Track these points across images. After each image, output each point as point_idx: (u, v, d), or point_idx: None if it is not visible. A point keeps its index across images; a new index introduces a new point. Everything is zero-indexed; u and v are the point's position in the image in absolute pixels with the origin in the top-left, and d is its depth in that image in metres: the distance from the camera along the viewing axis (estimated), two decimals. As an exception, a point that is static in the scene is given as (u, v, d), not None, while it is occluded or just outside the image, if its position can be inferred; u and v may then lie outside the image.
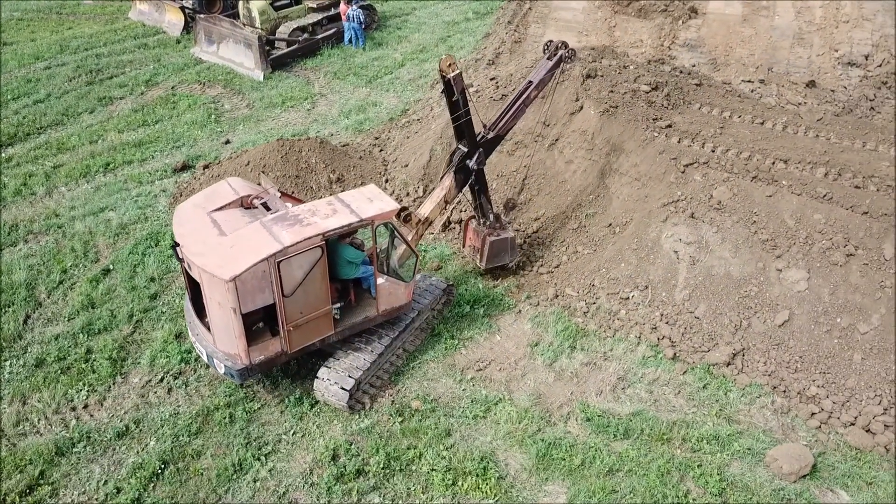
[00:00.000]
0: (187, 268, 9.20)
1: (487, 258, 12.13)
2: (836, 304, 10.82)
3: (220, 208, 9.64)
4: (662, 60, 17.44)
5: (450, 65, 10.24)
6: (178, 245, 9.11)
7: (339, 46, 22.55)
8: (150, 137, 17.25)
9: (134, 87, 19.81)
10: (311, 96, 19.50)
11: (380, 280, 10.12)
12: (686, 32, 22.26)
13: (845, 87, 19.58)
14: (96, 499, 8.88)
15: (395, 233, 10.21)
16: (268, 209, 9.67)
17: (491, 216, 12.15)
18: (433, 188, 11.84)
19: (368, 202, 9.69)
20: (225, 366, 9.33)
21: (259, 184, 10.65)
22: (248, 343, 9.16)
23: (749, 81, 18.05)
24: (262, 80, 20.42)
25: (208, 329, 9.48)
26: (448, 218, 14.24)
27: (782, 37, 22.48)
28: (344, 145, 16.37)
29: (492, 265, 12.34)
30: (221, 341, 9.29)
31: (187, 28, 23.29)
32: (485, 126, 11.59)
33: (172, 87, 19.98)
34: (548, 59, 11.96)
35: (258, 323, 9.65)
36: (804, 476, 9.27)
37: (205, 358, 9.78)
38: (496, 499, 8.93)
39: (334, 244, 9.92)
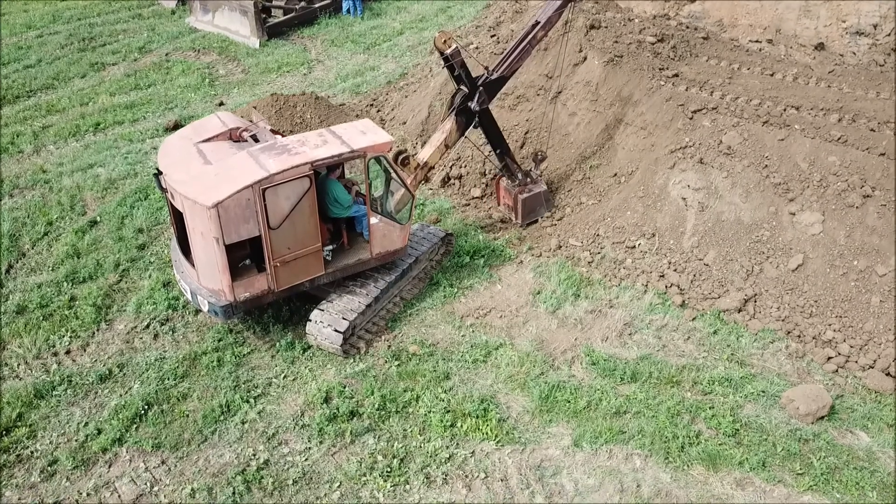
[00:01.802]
0: (170, 198, 8.75)
1: (522, 215, 12.24)
2: (853, 246, 10.33)
3: (208, 140, 9.20)
4: (667, 16, 16.94)
5: (445, 41, 9.94)
6: (160, 174, 8.66)
7: (336, 16, 22.12)
8: (142, 100, 16.84)
9: (127, 54, 19.40)
10: (307, 62, 19.06)
11: (373, 220, 9.66)
12: (690, 6, 21.83)
13: (854, 53, 19.12)
14: (76, 440, 8.43)
15: (389, 169, 9.75)
16: (257, 142, 9.23)
17: (519, 174, 11.97)
18: (433, 132, 11.36)
19: (361, 134, 9.24)
20: (208, 302, 8.88)
21: (251, 121, 10.19)
22: (232, 278, 8.70)
23: (757, 42, 17.56)
24: (258, 47, 20.00)
25: (192, 265, 9.02)
26: (447, 174, 13.79)
27: (788, 9, 21.94)
28: (340, 104, 15.92)
29: (528, 221, 12.36)
30: (205, 276, 8.85)
31: (182, 0, 22.87)
32: (486, 69, 11.12)
33: (166, 55, 19.56)
34: None
35: (244, 260, 9.21)
36: (822, 418, 8.78)
37: (188, 296, 9.33)
38: (497, 440, 8.46)
39: (324, 181, 9.47)
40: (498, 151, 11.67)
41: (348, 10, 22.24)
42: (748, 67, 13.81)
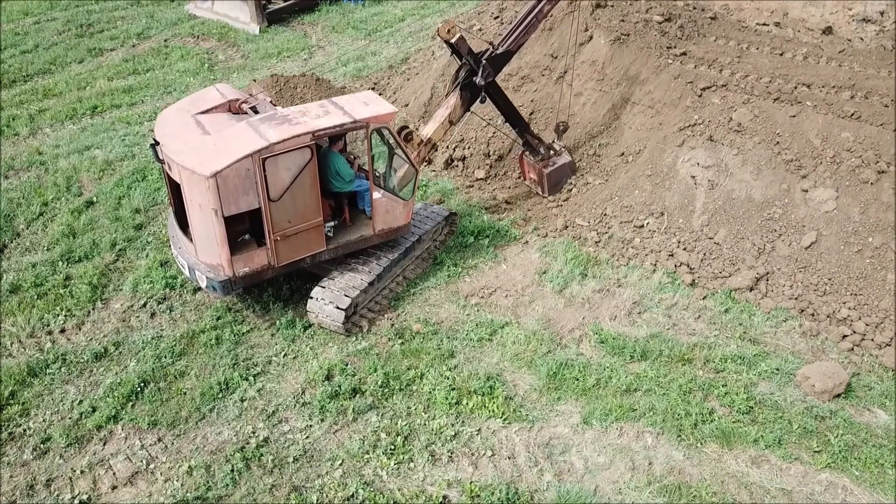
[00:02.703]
0: (168, 169, 8.49)
1: (548, 189, 12.24)
2: (868, 223, 10.07)
3: (206, 112, 8.94)
4: (674, -3, 16.67)
5: (449, 30, 9.74)
6: (157, 144, 8.40)
7: (337, 3, 21.86)
8: (140, 84, 16.58)
9: (125, 40, 19.14)
10: (307, 48, 18.81)
11: (375, 195, 9.40)
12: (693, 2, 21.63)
13: (861, 39, 18.87)
14: (70, 417, 8.18)
15: (393, 142, 9.49)
16: (256, 114, 8.96)
17: (541, 149, 11.84)
18: (437, 107, 11.09)
19: (364, 105, 8.99)
20: (207, 278, 8.62)
21: (251, 94, 9.93)
22: (231, 253, 8.45)
23: (764, 25, 17.29)
24: (258, 33, 19.75)
25: (190, 240, 8.77)
26: (451, 155, 13.53)
27: (794, -4, 21.79)
28: (341, 87, 15.67)
29: (554, 193, 12.30)
30: (203, 251, 8.59)
31: (182, -13, 22.61)
32: (491, 44, 10.85)
33: (165, 41, 19.30)
34: None
35: (244, 234, 8.96)
36: (838, 395, 8.53)
37: (186, 272, 9.08)
38: (504, 417, 8.20)
39: (326, 153, 9.22)
40: (518, 129, 11.57)
41: (349, -3, 21.98)
42: (757, 47, 13.55)
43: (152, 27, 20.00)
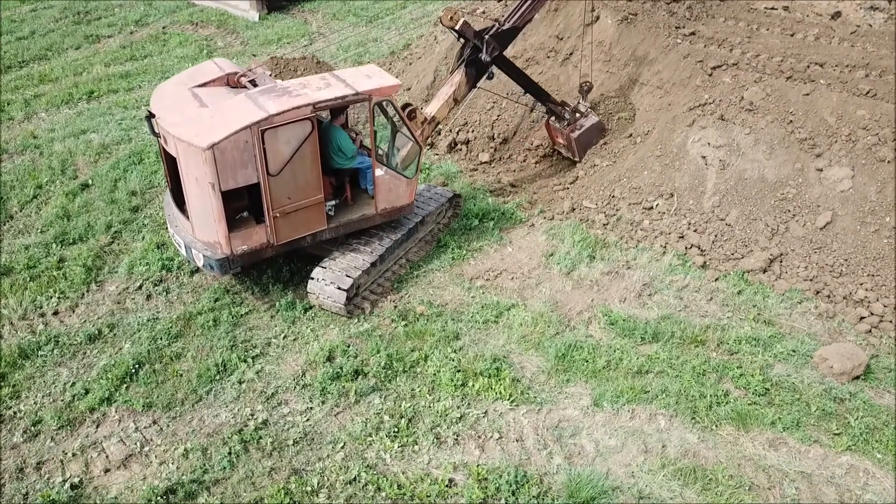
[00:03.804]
0: (163, 143, 8.20)
1: (579, 152, 12.03)
2: (885, 202, 9.77)
3: (204, 85, 8.66)
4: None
5: (451, 17, 9.51)
6: (152, 116, 8.11)
7: (338, -9, 21.56)
8: (137, 70, 16.32)
9: (123, 27, 18.89)
10: (308, 34, 18.53)
11: (378, 172, 9.11)
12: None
13: (870, 25, 18.58)
14: (62, 400, 7.90)
15: (397, 117, 9.20)
16: (256, 87, 8.68)
17: (566, 114, 11.62)
18: (441, 85, 10.80)
19: (366, 78, 8.70)
20: (204, 256, 8.33)
21: (250, 69, 9.63)
22: (229, 230, 8.16)
23: (773, 9, 16.99)
24: (258, 20, 19.48)
25: (187, 217, 8.48)
26: (454, 139, 13.25)
27: (800, -13, 21.48)
28: (343, 72, 15.37)
29: (585, 156, 12.12)
30: (200, 228, 8.30)
31: (181, -25, 22.32)
32: (497, 21, 10.57)
33: (163, 28, 19.04)
34: None
35: (243, 212, 8.67)
36: (857, 377, 8.23)
37: (182, 251, 8.79)
38: (512, 399, 7.91)
39: (328, 128, 8.93)
40: (536, 97, 11.41)
41: (350, -15, 21.67)
42: (767, 28, 13.26)
43: (150, 14, 19.74)
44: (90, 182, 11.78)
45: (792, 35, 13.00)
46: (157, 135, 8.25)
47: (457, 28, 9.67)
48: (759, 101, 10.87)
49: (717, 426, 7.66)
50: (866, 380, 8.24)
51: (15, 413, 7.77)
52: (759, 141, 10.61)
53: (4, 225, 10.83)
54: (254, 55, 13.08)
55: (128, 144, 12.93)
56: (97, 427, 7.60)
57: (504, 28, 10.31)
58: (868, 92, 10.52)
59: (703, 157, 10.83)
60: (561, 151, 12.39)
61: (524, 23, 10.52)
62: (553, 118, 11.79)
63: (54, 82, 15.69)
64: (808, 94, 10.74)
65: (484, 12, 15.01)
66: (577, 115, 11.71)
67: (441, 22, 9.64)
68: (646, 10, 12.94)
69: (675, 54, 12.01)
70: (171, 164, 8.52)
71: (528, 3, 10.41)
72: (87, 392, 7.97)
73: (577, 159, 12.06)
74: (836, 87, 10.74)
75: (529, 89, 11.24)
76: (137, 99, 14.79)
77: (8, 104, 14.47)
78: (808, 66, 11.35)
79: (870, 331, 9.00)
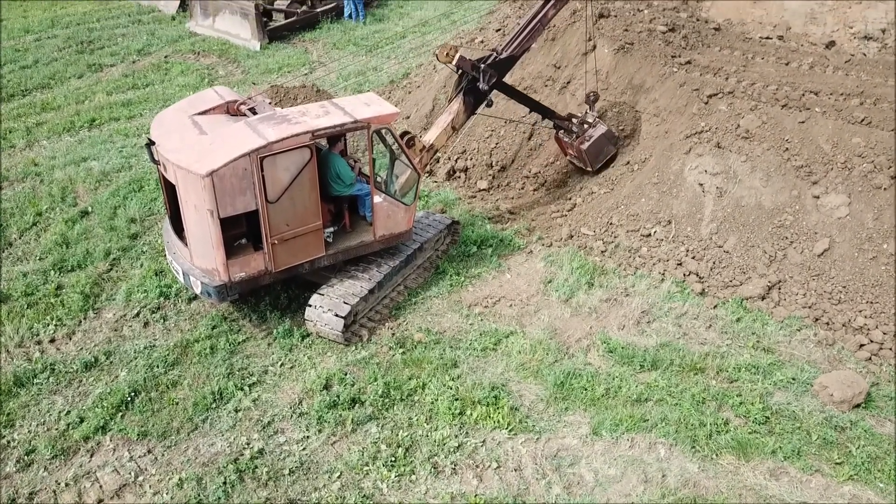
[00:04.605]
0: (163, 170, 8.24)
1: (591, 163, 12.10)
2: (882, 229, 9.80)
3: (204, 112, 8.73)
4: (677, 8, 16.59)
5: (447, 53, 9.70)
6: (152, 143, 8.16)
7: (338, 20, 21.85)
8: (139, 99, 16.44)
9: (125, 56, 19.06)
10: (308, 63, 18.71)
11: (377, 199, 9.15)
12: (696, 14, 21.65)
13: (864, 55, 18.80)
14: (56, 428, 7.83)
15: (394, 145, 9.26)
16: (255, 115, 8.75)
17: (573, 127, 11.74)
18: (440, 113, 10.88)
19: (365, 106, 8.77)
20: (201, 283, 8.32)
21: (249, 97, 9.72)
22: (227, 257, 8.16)
23: (768, 38, 17.20)
24: (259, 50, 19.68)
25: (185, 244, 8.49)
26: (453, 166, 13.32)
27: (794, 16, 21.73)
28: (342, 100, 15.51)
29: (599, 164, 12.20)
30: (198, 255, 8.31)
31: (183, 6, 22.64)
32: (495, 50, 10.69)
33: (165, 57, 19.22)
34: None
35: (241, 239, 8.68)
36: (858, 405, 8.18)
37: (180, 278, 8.78)
38: (510, 428, 7.84)
39: (327, 155, 8.99)
40: (541, 115, 11.57)
41: (350, 15, 21.98)
42: (762, 57, 13.40)
43: (153, 44, 19.94)
44: (90, 209, 11.81)
45: (787, 64, 13.13)
46: (156, 162, 8.29)
47: (453, 64, 9.80)
48: (755, 128, 10.95)
49: (717, 455, 7.59)
50: (867, 408, 8.19)
51: (8, 442, 7.70)
52: (756, 168, 10.67)
53: (3, 252, 10.83)
54: (254, 83, 13.22)
55: (128, 172, 12.98)
56: (91, 456, 7.53)
57: (501, 57, 10.43)
58: (863, 120, 10.60)
59: (701, 185, 10.88)
60: (574, 163, 12.49)
61: (522, 52, 10.64)
62: (562, 132, 11.88)
63: (56, 110, 15.80)
64: (803, 122, 10.83)
65: (482, 42, 15.19)
66: (585, 125, 11.79)
67: (437, 59, 9.76)
68: (642, 39, 13.10)
69: (671, 83, 12.14)
70: (170, 191, 8.55)
71: (526, 32, 10.54)
72: (81, 420, 7.91)
73: (590, 169, 12.15)
74: (831, 114, 10.83)
75: (534, 108, 11.44)
76: (138, 127, 14.89)
77: (10, 132, 14.56)
78: (804, 95, 11.45)
79: (870, 358, 8.96)
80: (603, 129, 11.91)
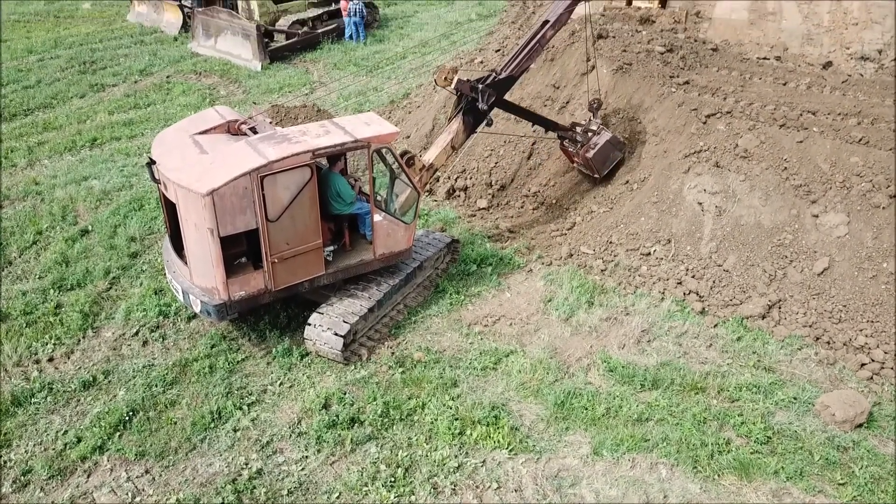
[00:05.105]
0: (163, 189, 8.27)
1: (598, 170, 12.13)
2: (881, 248, 9.81)
3: (205, 132, 8.77)
4: (675, 29, 16.74)
5: (445, 77, 9.81)
6: (153, 163, 8.20)
7: (339, 41, 22.07)
8: (141, 118, 16.54)
9: (127, 76, 19.22)
10: (309, 83, 18.86)
11: (377, 217, 9.17)
12: (693, 35, 21.84)
13: (861, 75, 18.95)
14: (53, 448, 7.77)
15: (395, 163, 9.30)
16: (256, 134, 8.79)
17: (578, 136, 11.82)
18: (439, 133, 10.94)
19: (365, 125, 8.82)
20: (201, 302, 8.31)
21: (250, 117, 9.77)
22: (227, 275, 8.16)
23: (765, 59, 17.34)
24: (260, 70, 19.85)
25: (185, 263, 8.49)
26: (452, 185, 13.37)
27: (791, 37, 21.90)
28: (343, 120, 15.60)
29: (607, 170, 12.24)
30: (198, 273, 8.30)
31: (185, 27, 22.88)
32: (494, 71, 10.76)
33: (167, 77, 19.38)
34: None
35: (241, 257, 8.68)
36: (860, 425, 8.13)
37: (180, 297, 8.77)
38: (510, 448, 7.79)
39: (327, 174, 9.02)
40: (544, 128, 11.68)
41: (351, 36, 22.20)
42: (760, 77, 13.52)
43: (155, 64, 20.11)
44: (90, 228, 11.83)
45: (784, 84, 13.24)
46: (157, 181, 8.32)
47: (452, 87, 9.88)
48: (753, 148, 11.00)
49: (719, 475, 7.53)
50: (869, 428, 8.14)
51: (5, 462, 7.64)
52: (755, 187, 10.70)
53: (3, 270, 10.83)
54: (255, 103, 13.31)
55: (129, 191, 13.02)
56: (88, 477, 7.46)
57: (500, 77, 10.50)
58: (861, 139, 10.66)
59: (700, 204, 10.91)
60: (582, 171, 12.55)
61: (521, 72, 10.71)
62: (566, 142, 11.95)
63: (58, 130, 15.89)
64: (801, 142, 10.88)
65: (482, 62, 15.31)
66: (590, 133, 11.85)
67: (436, 83, 9.84)
68: (640, 59, 13.20)
69: (669, 103, 12.21)
70: (170, 210, 8.57)
71: (525, 53, 10.62)
72: (79, 440, 7.85)
73: (597, 176, 12.21)
74: (829, 134, 10.89)
75: (536, 122, 11.55)
76: (140, 146, 14.96)
77: (11, 151, 14.63)
78: (801, 115, 11.52)
79: (871, 378, 8.93)
80: (608, 136, 11.94)
